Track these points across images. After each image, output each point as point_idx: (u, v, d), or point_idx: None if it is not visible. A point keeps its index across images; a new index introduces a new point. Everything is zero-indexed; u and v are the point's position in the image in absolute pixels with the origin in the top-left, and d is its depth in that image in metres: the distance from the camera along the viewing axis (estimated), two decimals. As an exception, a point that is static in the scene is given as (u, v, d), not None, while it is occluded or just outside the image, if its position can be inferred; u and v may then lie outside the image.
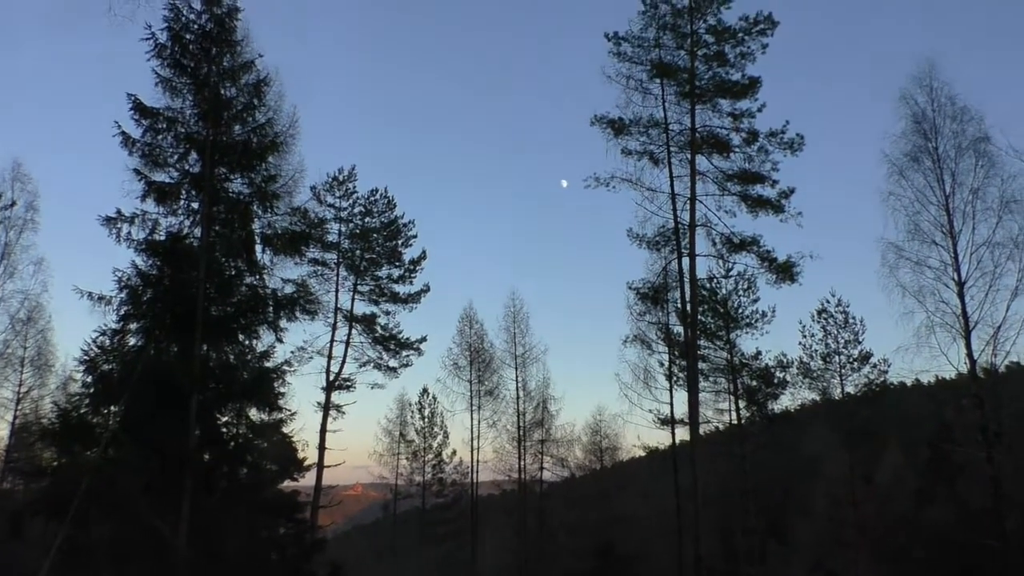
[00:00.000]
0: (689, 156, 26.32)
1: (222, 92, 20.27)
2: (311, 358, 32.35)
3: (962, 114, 24.69)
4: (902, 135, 25.04)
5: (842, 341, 34.82)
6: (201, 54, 20.13)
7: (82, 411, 20.05)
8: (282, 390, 21.08)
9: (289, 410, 21.11)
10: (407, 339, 35.63)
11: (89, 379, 20.72)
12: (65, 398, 29.16)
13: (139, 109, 19.48)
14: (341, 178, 35.18)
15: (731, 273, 34.39)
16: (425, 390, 45.07)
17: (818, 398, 35.26)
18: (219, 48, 20.25)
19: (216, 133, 20.08)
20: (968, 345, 23.84)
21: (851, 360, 34.50)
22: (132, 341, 20.23)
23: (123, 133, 19.48)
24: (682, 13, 26.82)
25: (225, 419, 20.95)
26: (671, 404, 34.27)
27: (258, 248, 20.59)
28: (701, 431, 27.31)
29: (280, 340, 20.96)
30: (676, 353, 33.49)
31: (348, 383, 34.13)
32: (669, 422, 34.22)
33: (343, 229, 34.98)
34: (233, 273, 20.43)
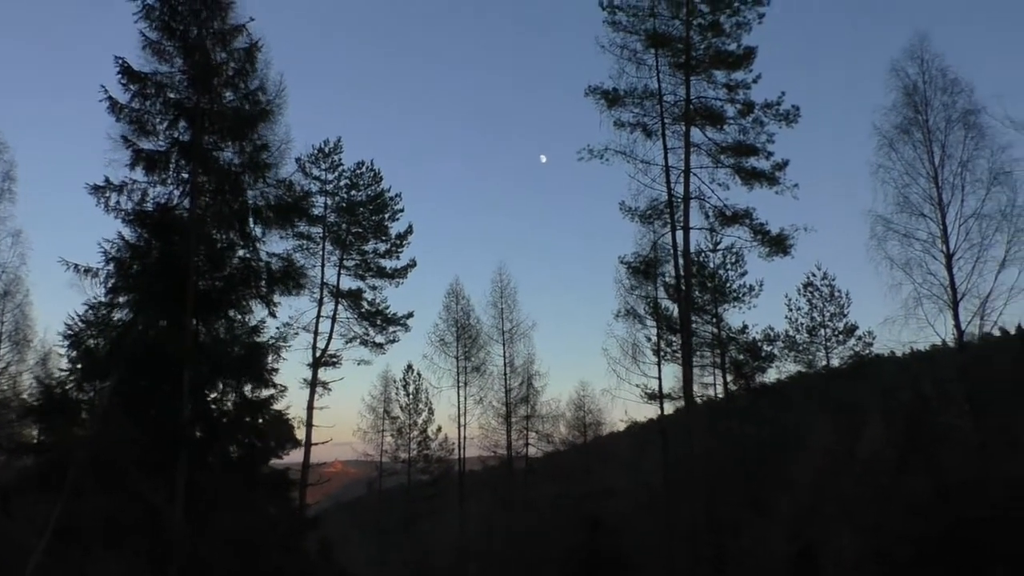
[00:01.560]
0: (683, 128, 26.14)
1: (212, 57, 19.61)
2: (297, 334, 31.95)
3: (952, 86, 24.74)
4: (893, 107, 25.07)
5: (827, 314, 35.02)
6: (191, 16, 19.44)
7: (66, 387, 19.57)
8: (276, 366, 20.78)
9: (282, 386, 20.80)
10: (394, 314, 35.29)
11: (73, 354, 20.23)
12: (45, 373, 28.47)
13: (127, 73, 18.80)
14: (327, 150, 34.51)
15: (719, 246, 34.49)
16: (410, 366, 44.72)
17: (804, 371, 35.50)
18: (209, 10, 19.57)
19: (206, 99, 19.46)
20: (956, 316, 24.07)
21: (836, 333, 34.73)
22: (117, 315, 19.74)
23: (110, 98, 18.83)
24: (677, -18, 26.47)
25: (213, 395, 20.57)
26: (659, 378, 34.35)
27: (250, 220, 20.09)
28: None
29: (273, 315, 20.65)
30: (664, 327, 33.52)
31: (334, 359, 33.79)
32: (656, 396, 34.29)
33: (329, 202, 34.38)
34: (225, 245, 19.91)
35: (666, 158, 26.17)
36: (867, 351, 34.24)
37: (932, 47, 25.09)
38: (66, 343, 20.29)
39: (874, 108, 25.15)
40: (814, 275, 35.61)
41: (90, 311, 19.37)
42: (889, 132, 24.92)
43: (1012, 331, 31.13)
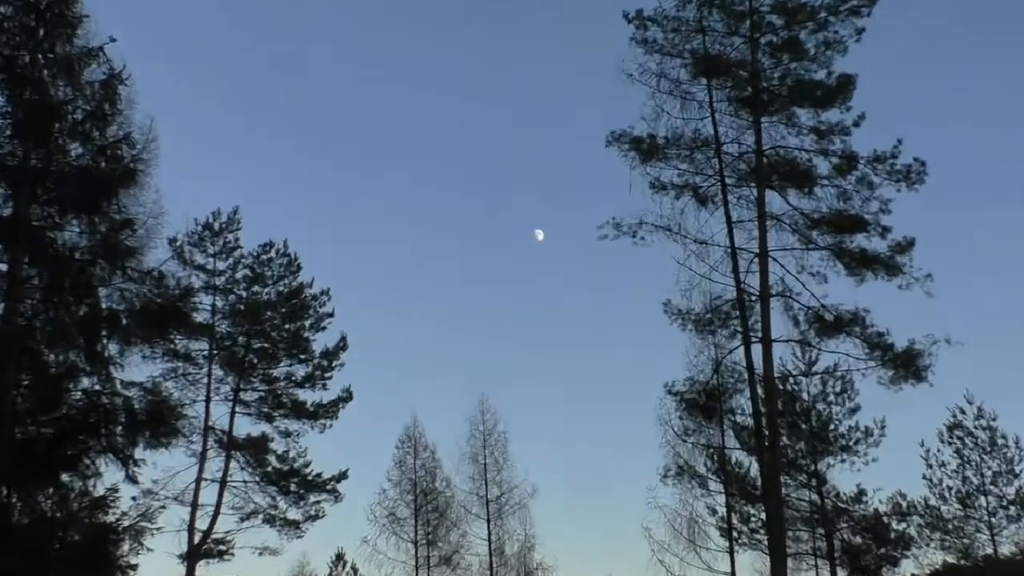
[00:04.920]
0: (754, 192, 26.88)
1: (52, 93, 20.44)
2: (164, 507, 31.72)
3: None
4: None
5: (988, 473, 35.26)
6: (21, 34, 20.34)
7: None
8: (133, 560, 20.93)
9: (144, 588, 20.92)
10: (317, 476, 35.30)
11: None
12: None
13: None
14: (216, 227, 35.29)
15: (816, 368, 34.74)
16: (340, 556, 44.34)
17: (957, 562, 35.42)
18: (49, 27, 20.49)
19: (41, 154, 20.13)
20: None
21: (1005, 503, 34.86)
22: None
23: None
24: (736, -19, 27.80)
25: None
26: (732, 571, 34.08)
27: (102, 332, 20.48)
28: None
29: (133, 478, 20.77)
30: (737, 493, 33.53)
31: (222, 547, 33.60)
32: (728, 602, 33.98)
33: (219, 303, 35.02)
34: (62, 371, 20.23)
35: (731, 236, 26.78)
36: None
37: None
38: None
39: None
40: (963, 412, 36.09)
41: None
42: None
43: None
